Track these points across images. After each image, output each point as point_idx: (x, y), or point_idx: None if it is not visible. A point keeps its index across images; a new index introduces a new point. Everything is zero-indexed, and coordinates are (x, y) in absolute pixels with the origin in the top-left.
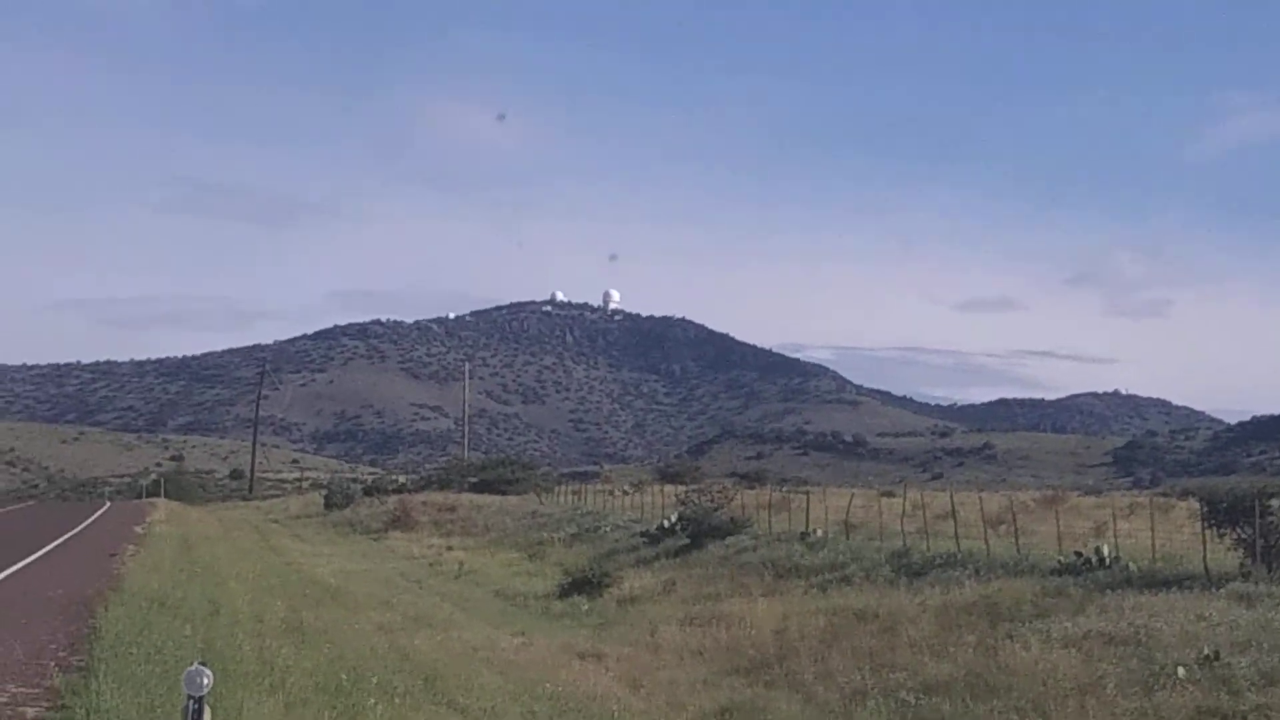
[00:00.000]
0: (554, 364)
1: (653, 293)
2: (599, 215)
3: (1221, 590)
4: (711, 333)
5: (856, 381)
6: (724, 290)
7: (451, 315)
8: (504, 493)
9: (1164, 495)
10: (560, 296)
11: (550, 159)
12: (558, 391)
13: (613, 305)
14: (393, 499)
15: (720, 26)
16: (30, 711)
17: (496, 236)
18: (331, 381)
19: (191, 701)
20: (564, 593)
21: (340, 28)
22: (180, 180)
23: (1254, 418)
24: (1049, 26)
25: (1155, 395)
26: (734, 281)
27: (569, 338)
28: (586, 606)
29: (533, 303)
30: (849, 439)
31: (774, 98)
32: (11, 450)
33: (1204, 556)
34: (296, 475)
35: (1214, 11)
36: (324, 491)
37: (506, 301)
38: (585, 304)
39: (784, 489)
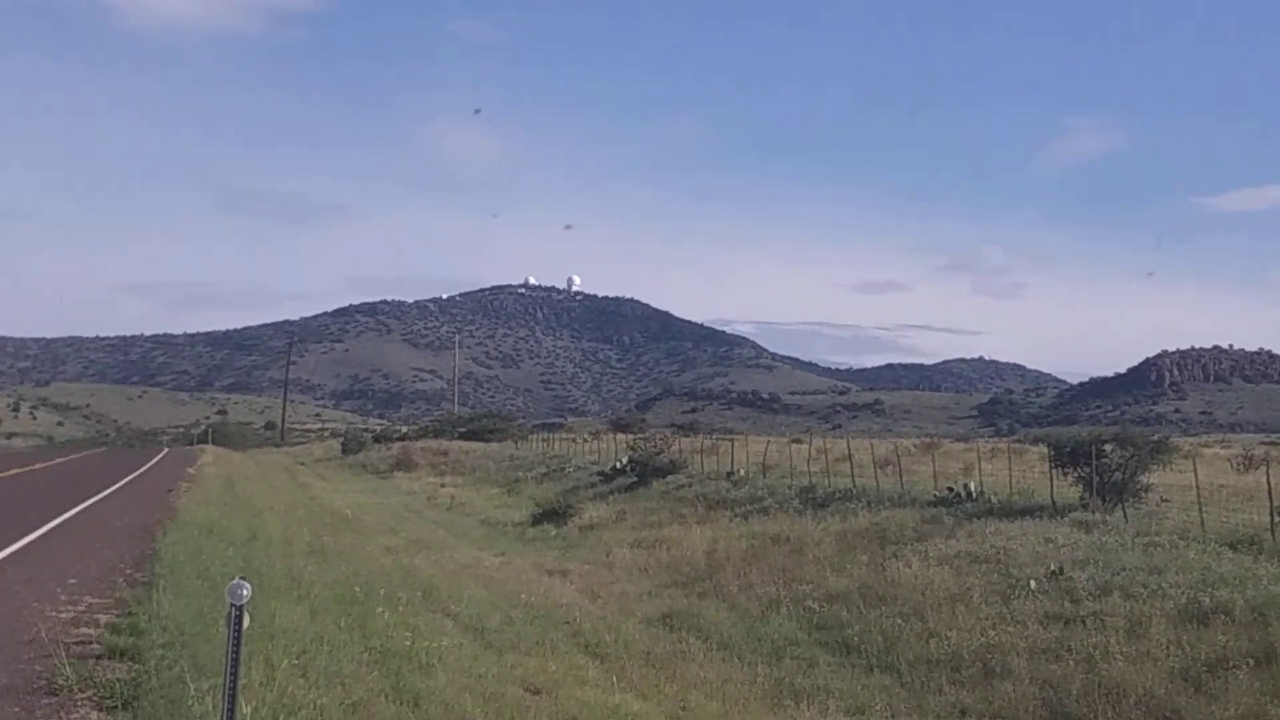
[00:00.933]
0: (527, 335)
1: (608, 277)
2: (566, 212)
3: (1065, 519)
4: (655, 310)
5: (772, 350)
6: (666, 274)
7: (444, 296)
8: (487, 440)
9: (1019, 442)
10: (532, 280)
11: (525, 167)
12: (530, 358)
13: (575, 287)
14: (397, 445)
15: (667, 54)
16: (103, 618)
17: (480, 230)
18: (347, 350)
19: (234, 609)
20: (536, 521)
21: (351, 59)
22: (225, 187)
23: (1091, 379)
24: (933, 61)
25: (1012, 361)
26: (674, 267)
27: (539, 314)
28: (554, 532)
29: (510, 286)
30: (766, 396)
31: (711, 113)
32: (88, 406)
33: (1051, 491)
34: (319, 426)
35: (1057, 49)
36: (341, 439)
37: (488, 285)
38: (553, 286)
39: (713, 437)
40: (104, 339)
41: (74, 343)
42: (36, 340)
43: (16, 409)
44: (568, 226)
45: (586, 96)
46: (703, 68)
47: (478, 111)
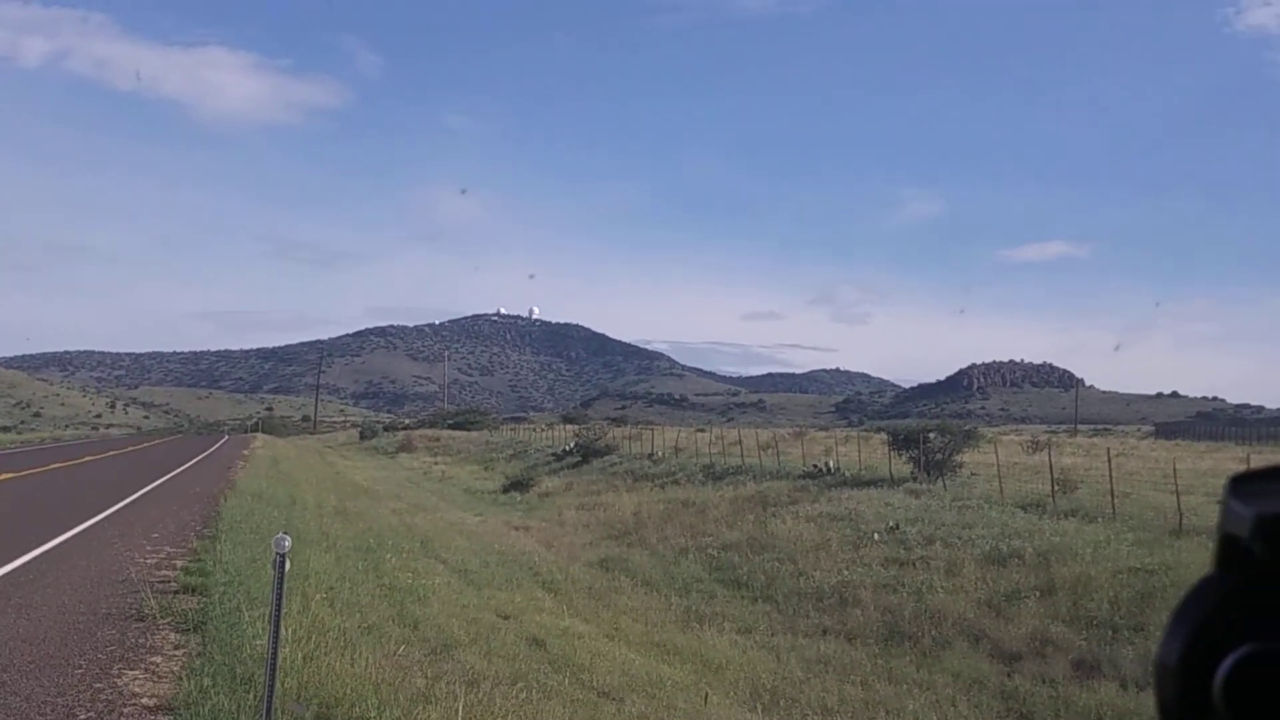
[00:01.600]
0: (499, 352)
1: (559, 307)
2: (528, 258)
3: (900, 488)
4: (594, 332)
5: (682, 362)
6: (603, 304)
7: (437, 321)
8: (469, 429)
9: (866, 431)
10: (503, 310)
11: (498, 223)
12: (501, 369)
13: (535, 315)
14: (401, 433)
15: (610, 136)
16: (179, 563)
17: (465, 271)
18: (363, 362)
19: (278, 556)
20: (505, 489)
21: (366, 142)
22: (273, 238)
23: (919, 384)
24: (806, 144)
25: (861, 370)
26: (609, 298)
27: (508, 336)
28: (519, 498)
29: (486, 314)
30: (677, 397)
31: (642, 182)
32: (167, 404)
33: (890, 468)
34: (342, 419)
35: (895, 136)
36: (359, 429)
37: (470, 313)
38: (518, 315)
39: (638, 427)
40: (179, 353)
41: (156, 356)
42: (128, 354)
43: (113, 406)
44: (531, 276)
45: (544, 169)
46: (636, 147)
47: (463, 191)
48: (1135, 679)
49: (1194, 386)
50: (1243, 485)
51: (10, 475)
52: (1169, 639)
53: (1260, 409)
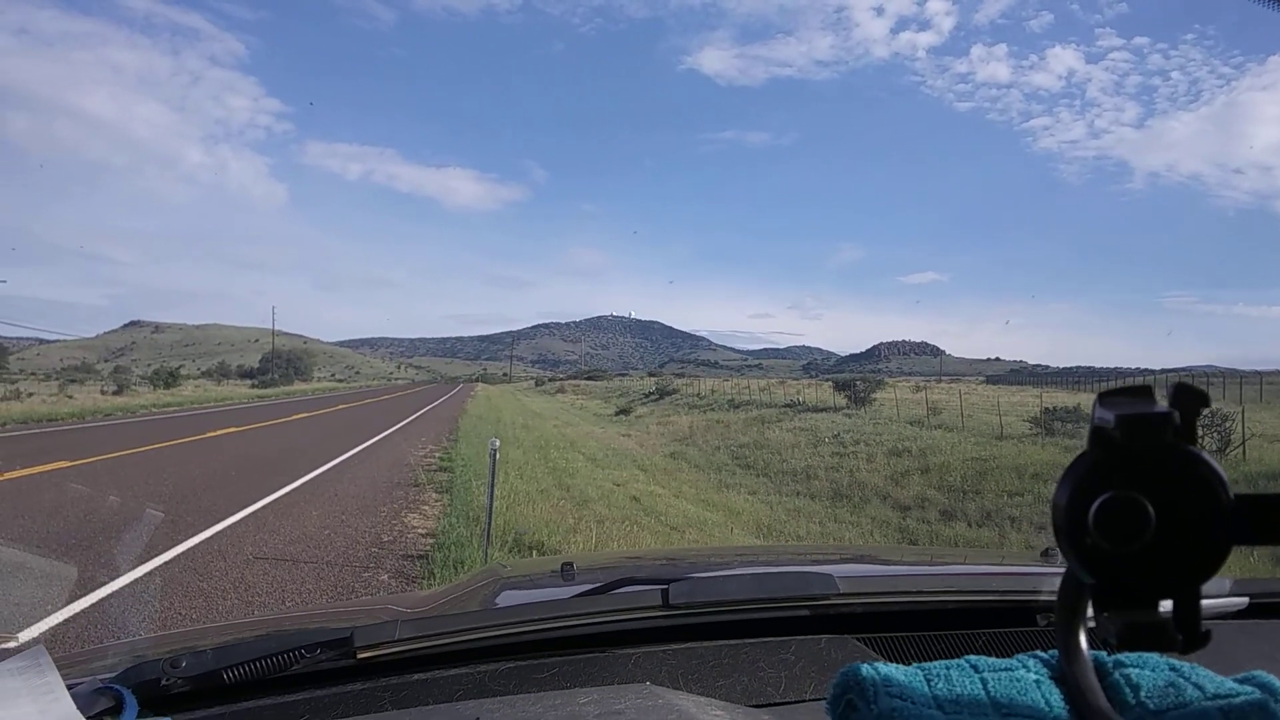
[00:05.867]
0: (612, 337)
1: (647, 310)
2: (632, 283)
3: (839, 413)
4: (665, 325)
5: (716, 342)
6: (672, 306)
7: (577, 319)
8: (595, 380)
9: (820, 381)
10: (614, 313)
11: (613, 262)
12: (613, 346)
13: (633, 315)
14: (558, 383)
15: (670, 208)
16: (436, 454)
17: (594, 291)
18: (536, 343)
19: (491, 451)
20: (616, 414)
21: (536, 216)
22: (488, 274)
23: (850, 354)
24: (788, 218)
25: (818, 345)
26: (675, 303)
27: (618, 328)
28: (624, 419)
29: (605, 315)
30: (714, 363)
31: (691, 240)
32: (427, 366)
33: (834, 401)
34: (525, 375)
35: (837, 215)
36: (535, 380)
37: (595, 314)
38: (624, 315)
39: (690, 379)
40: (435, 337)
41: (422, 339)
42: (407, 338)
43: (399, 367)
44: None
45: (636, 234)
46: (688, 222)
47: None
48: (976, 521)
49: (1009, 354)
50: (1105, 396)
51: (345, 405)
52: (1061, 488)
53: (1048, 367)
